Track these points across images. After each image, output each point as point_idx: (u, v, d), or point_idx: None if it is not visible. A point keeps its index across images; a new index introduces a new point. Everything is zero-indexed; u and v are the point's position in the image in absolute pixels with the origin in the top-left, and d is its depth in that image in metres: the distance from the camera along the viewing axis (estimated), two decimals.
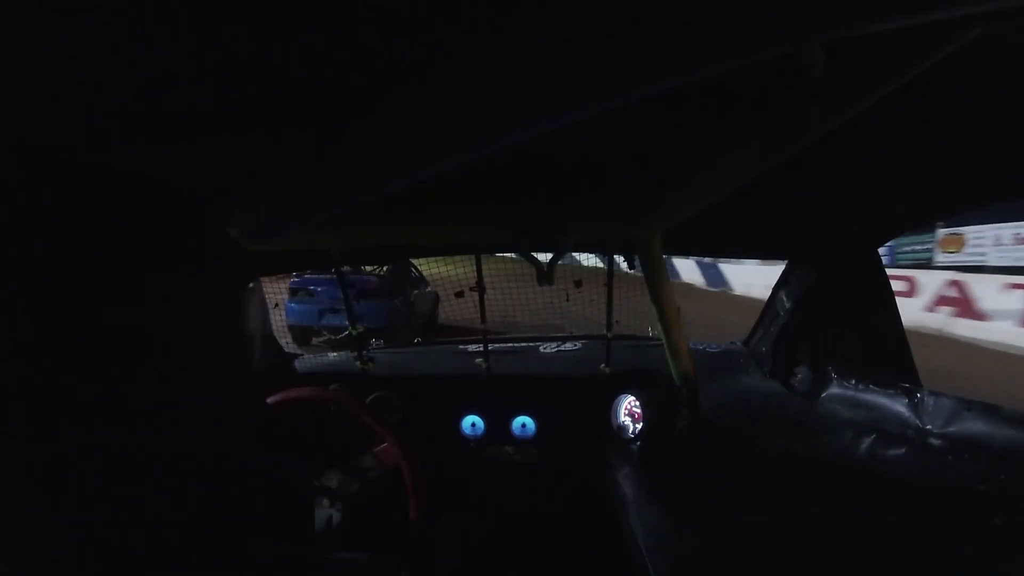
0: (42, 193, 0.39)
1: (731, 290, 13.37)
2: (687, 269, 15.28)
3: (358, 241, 1.37)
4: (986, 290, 8.04)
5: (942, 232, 11.11)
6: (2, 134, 0.37)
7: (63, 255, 0.39)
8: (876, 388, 1.60)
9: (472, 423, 1.74)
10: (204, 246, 0.52)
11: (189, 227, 0.50)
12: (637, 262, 1.49)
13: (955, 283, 8.49)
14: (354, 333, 1.80)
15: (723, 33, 0.41)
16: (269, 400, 1.32)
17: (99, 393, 0.39)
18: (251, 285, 1.74)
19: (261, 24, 0.32)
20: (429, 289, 7.05)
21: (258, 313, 1.91)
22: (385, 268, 6.24)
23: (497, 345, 2.11)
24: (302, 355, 2.11)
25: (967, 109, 0.80)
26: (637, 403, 1.60)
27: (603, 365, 1.80)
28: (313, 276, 5.91)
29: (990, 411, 1.31)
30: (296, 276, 5.93)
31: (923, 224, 1.51)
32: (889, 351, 1.58)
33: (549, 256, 1.38)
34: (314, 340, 6.29)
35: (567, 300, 1.80)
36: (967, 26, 0.54)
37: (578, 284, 1.64)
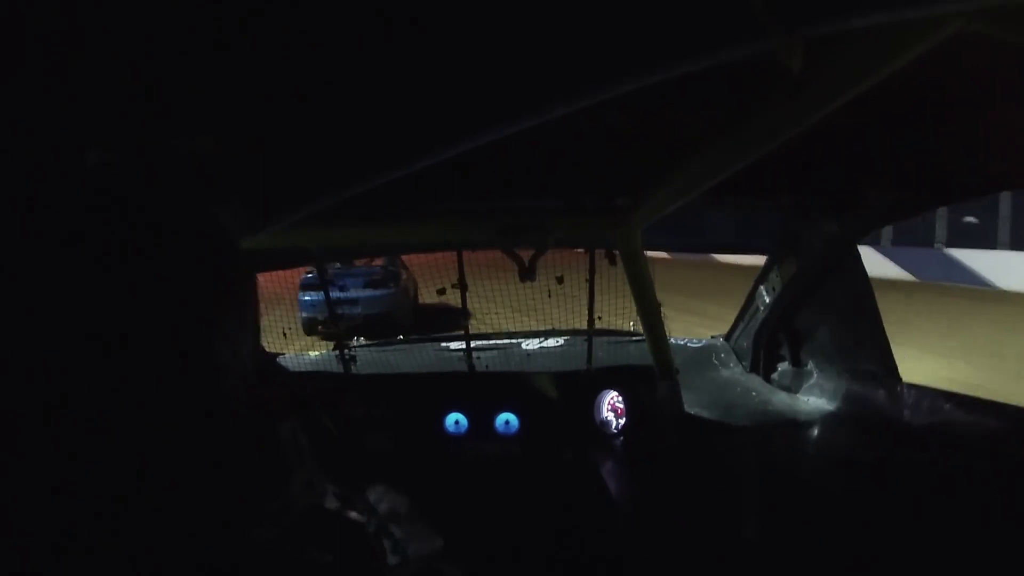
0: (32, 193, 0.38)
1: None
2: None
3: (340, 238, 1.36)
4: None
5: None
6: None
7: (52, 254, 0.38)
8: (856, 381, 1.62)
9: (456, 421, 1.73)
10: (192, 244, 0.52)
11: (177, 226, 0.49)
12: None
13: None
14: (338, 331, 1.78)
15: (703, 30, 0.40)
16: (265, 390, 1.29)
17: (86, 390, 0.39)
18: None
19: (244, 23, 0.31)
20: (407, 276, 7.92)
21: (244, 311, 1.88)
22: (384, 258, 7.26)
23: (480, 342, 2.10)
24: (283, 354, 2.08)
25: (943, 106, 0.81)
26: (620, 398, 1.61)
27: (586, 361, 1.80)
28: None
29: (968, 403, 1.34)
30: (308, 272, 6.26)
31: (899, 219, 1.54)
32: (869, 344, 1.60)
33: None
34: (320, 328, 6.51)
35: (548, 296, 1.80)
36: (944, 24, 0.55)
37: (560, 280, 1.64)
